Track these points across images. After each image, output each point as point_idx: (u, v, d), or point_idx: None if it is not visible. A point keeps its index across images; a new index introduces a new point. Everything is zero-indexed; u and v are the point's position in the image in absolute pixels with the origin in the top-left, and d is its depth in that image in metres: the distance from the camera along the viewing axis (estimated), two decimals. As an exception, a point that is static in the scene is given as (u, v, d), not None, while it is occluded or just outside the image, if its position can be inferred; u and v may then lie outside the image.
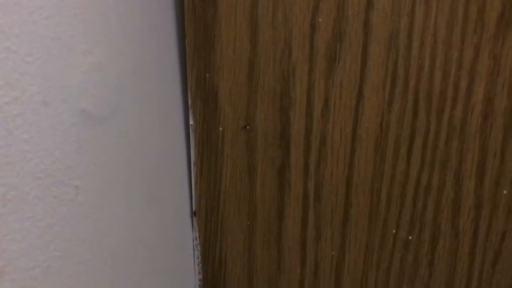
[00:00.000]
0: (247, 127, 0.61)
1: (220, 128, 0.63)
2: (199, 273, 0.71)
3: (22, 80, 0.39)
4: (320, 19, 0.54)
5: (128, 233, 0.56)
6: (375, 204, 0.58)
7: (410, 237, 0.58)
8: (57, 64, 0.43)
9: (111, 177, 0.52)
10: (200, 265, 0.71)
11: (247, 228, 0.66)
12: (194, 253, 0.70)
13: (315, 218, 0.62)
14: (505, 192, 0.53)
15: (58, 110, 0.44)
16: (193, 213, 0.68)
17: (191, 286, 0.71)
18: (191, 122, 0.64)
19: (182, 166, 0.67)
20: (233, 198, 0.65)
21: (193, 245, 0.70)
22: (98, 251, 0.51)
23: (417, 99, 0.53)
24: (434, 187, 0.55)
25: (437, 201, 0.56)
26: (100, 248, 0.51)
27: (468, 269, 0.57)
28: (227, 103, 0.62)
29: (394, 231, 0.59)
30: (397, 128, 0.55)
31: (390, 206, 0.58)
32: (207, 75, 0.61)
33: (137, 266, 0.58)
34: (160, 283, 0.63)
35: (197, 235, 0.69)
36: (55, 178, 0.44)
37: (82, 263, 0.49)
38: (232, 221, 0.66)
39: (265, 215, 0.64)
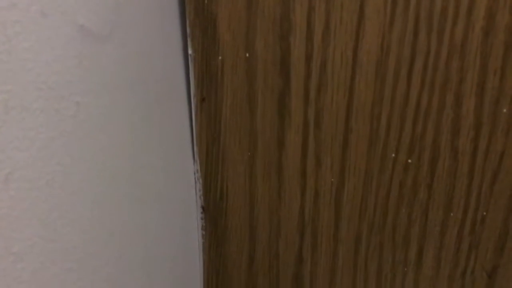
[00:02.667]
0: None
1: (220, 57, 0.63)
2: (201, 205, 0.72)
3: (19, -14, 0.39)
4: None
5: (130, 156, 0.56)
6: (374, 129, 0.59)
7: (409, 161, 0.59)
8: (54, -25, 0.43)
9: (112, 98, 0.52)
10: (201, 197, 0.71)
11: (248, 159, 0.66)
12: (195, 186, 0.71)
13: (315, 145, 0.62)
14: (504, 110, 0.53)
15: (57, 23, 0.43)
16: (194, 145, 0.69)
17: (193, 218, 0.72)
18: (190, 52, 0.64)
19: (182, 98, 0.67)
20: (234, 129, 0.66)
21: (195, 178, 0.71)
22: (100, 171, 0.51)
23: (418, 18, 0.53)
24: (434, 108, 0.56)
25: (437, 122, 0.56)
26: (102, 169, 0.52)
27: (466, 190, 0.58)
28: (226, 31, 0.61)
29: (393, 155, 0.59)
30: (398, 49, 0.55)
31: (389, 130, 0.58)
32: (206, 1, 0.60)
33: (139, 191, 0.58)
34: (161, 211, 0.64)
35: (198, 167, 0.70)
36: (56, 92, 0.44)
37: (85, 181, 0.49)
38: (233, 152, 0.67)
39: (266, 145, 0.65)
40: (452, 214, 0.59)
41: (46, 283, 0.45)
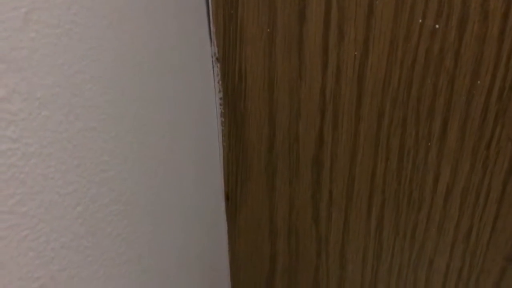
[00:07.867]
0: None
1: None
2: (219, 91, 0.71)
3: None
4: None
5: (146, 24, 0.54)
6: (401, -8, 0.56)
7: (436, 26, 0.56)
8: None
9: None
10: (220, 82, 0.70)
11: (267, 36, 0.64)
12: (213, 70, 0.70)
13: (338, 16, 0.60)
14: (542, -39, 0.50)
15: None
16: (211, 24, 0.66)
17: (211, 105, 0.71)
18: None
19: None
20: (252, 3, 0.63)
21: (212, 61, 0.69)
22: (118, 32, 0.50)
23: None
24: (465, -36, 0.53)
25: (468, -21, 0.53)
26: (120, 31, 0.50)
27: (495, 55, 0.56)
28: None
29: (420, 20, 0.57)
30: None
31: (417, -9, 0.55)
32: None
33: (158, 64, 0.57)
34: (178, 96, 0.63)
35: (215, 49, 0.68)
36: None
37: (104, 39, 0.48)
38: (251, 29, 0.65)
39: (286, 19, 0.62)
40: (479, 82, 0.58)
41: (71, 138, 0.45)
